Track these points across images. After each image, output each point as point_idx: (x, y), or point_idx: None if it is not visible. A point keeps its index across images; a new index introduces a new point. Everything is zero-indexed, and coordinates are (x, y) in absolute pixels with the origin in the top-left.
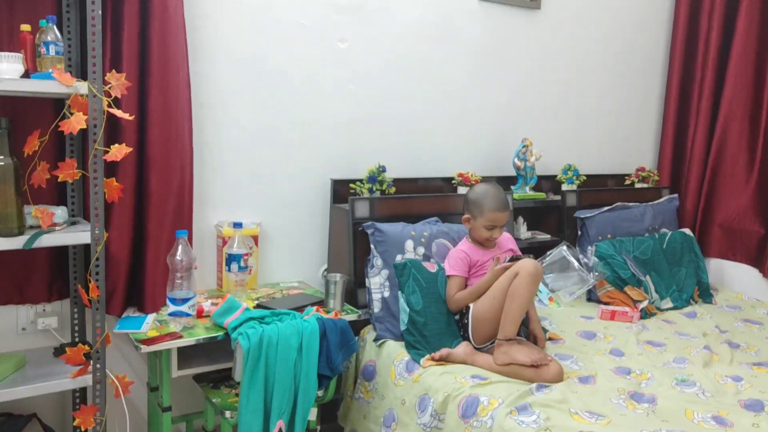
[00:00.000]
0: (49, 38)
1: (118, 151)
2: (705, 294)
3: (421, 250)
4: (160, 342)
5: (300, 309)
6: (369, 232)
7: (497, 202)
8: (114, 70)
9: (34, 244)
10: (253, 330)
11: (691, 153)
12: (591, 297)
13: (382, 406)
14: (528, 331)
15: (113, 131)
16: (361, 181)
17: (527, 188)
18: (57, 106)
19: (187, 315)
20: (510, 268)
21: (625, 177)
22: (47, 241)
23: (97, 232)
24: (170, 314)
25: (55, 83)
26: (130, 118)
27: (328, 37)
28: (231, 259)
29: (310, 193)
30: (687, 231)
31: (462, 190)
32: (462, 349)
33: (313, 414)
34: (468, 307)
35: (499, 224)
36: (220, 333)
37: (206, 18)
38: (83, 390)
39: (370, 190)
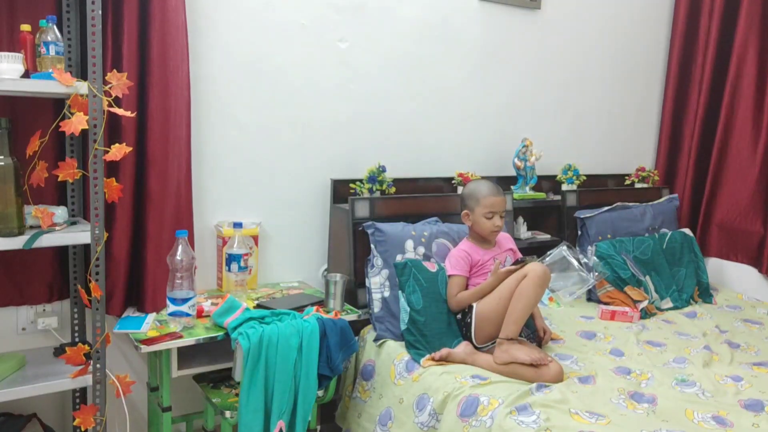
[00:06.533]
0: (49, 38)
1: (118, 151)
2: (705, 294)
3: (422, 249)
4: (160, 342)
5: (300, 309)
6: (369, 231)
7: (491, 189)
8: (115, 70)
9: (34, 244)
10: (253, 330)
11: (690, 153)
12: (591, 297)
13: (379, 405)
14: (530, 333)
15: (113, 131)
16: (361, 181)
17: (527, 188)
18: (57, 106)
19: (187, 315)
20: (518, 270)
21: (625, 177)
22: (47, 241)
23: (97, 232)
24: (170, 314)
25: (55, 83)
26: (132, 115)
27: (328, 37)
28: (231, 259)
29: (310, 193)
30: (687, 231)
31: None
32: (462, 348)
33: (313, 414)
34: (471, 307)
35: (498, 210)
36: (220, 333)
37: (206, 18)
38: (83, 390)
39: (370, 190)
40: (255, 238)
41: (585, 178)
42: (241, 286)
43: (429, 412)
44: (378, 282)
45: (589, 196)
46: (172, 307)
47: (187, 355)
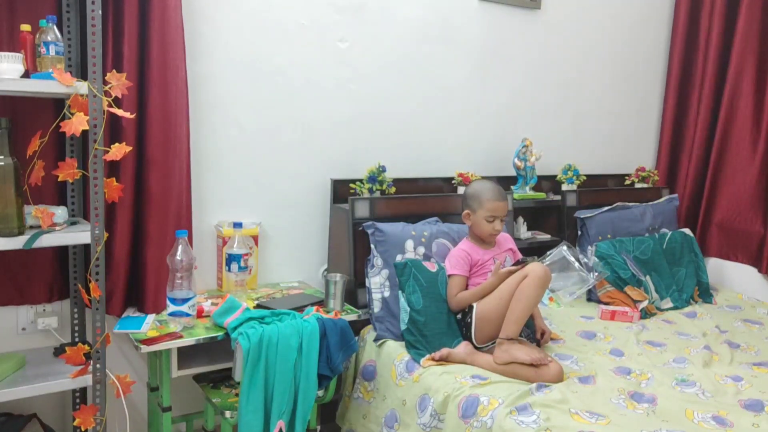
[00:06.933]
0: (49, 38)
1: (118, 151)
2: (705, 294)
3: (422, 249)
4: (160, 342)
5: (300, 309)
6: (369, 231)
7: (495, 192)
8: (114, 70)
9: (34, 244)
10: (253, 330)
11: (691, 153)
12: (591, 297)
13: (384, 407)
14: (530, 333)
15: (113, 131)
16: (361, 181)
17: (527, 188)
18: (57, 106)
19: (187, 315)
20: (519, 271)
21: (625, 177)
22: (47, 241)
23: (97, 232)
24: (170, 314)
25: (55, 83)
26: (131, 116)
27: (328, 37)
28: (231, 259)
29: (310, 193)
30: (687, 231)
31: (462, 190)
32: (462, 348)
33: (313, 414)
34: (471, 306)
35: (499, 215)
36: (220, 333)
37: (206, 18)
38: (83, 390)
39: (370, 190)
40: (255, 238)
41: (585, 178)
42: (241, 286)
43: (430, 413)
44: (378, 282)
45: (589, 196)
46: (172, 307)
47: (187, 355)
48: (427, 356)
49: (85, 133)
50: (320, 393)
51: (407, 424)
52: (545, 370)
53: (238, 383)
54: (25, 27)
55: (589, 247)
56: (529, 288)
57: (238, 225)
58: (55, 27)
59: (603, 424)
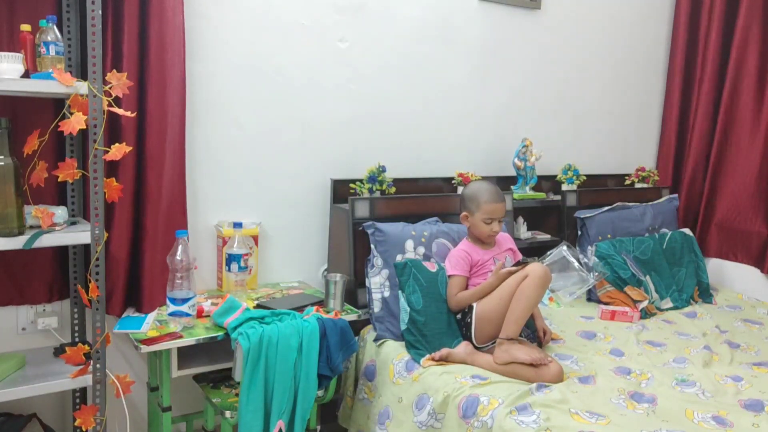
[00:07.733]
0: (49, 38)
1: (118, 150)
2: (705, 294)
3: (422, 249)
4: (160, 342)
5: (300, 309)
6: (369, 231)
7: (492, 194)
8: (114, 70)
9: (34, 244)
10: (253, 330)
11: (691, 152)
12: (591, 297)
13: (379, 404)
14: (530, 333)
15: (113, 131)
16: (361, 181)
17: (527, 188)
18: (57, 106)
19: (187, 315)
20: (519, 271)
21: (625, 177)
22: (47, 241)
23: (97, 232)
24: (170, 314)
25: (55, 83)
26: (132, 115)
27: (328, 37)
28: (231, 259)
29: (310, 193)
30: (687, 231)
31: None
32: (462, 348)
33: (312, 414)
34: (471, 306)
35: (497, 216)
36: (220, 333)
37: (206, 18)
38: (83, 390)
39: (370, 190)
40: (255, 238)
41: (585, 178)
42: (241, 286)
43: (428, 412)
44: (378, 282)
45: (589, 196)
46: (172, 307)
47: (187, 355)
48: (427, 356)
49: (84, 133)
50: (320, 393)
51: (401, 421)
52: (545, 370)
53: (238, 383)
54: (25, 27)
55: (589, 247)
56: (529, 288)
57: (238, 225)
58: (55, 27)
59: (603, 424)
